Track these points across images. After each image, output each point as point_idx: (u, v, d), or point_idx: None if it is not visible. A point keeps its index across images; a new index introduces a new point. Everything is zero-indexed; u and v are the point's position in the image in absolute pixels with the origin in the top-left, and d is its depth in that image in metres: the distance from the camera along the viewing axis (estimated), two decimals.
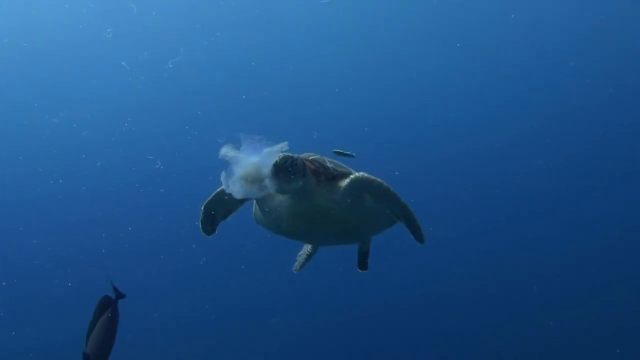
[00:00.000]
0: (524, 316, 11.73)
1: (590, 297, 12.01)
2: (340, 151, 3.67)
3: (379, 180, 3.12)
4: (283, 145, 2.82)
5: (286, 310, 12.32)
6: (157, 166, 12.93)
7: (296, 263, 4.39)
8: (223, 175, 2.78)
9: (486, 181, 13.93)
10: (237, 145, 2.81)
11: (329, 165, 3.23)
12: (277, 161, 2.81)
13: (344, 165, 3.33)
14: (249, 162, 2.76)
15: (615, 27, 14.09)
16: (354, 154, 3.68)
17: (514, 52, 14.76)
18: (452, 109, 14.58)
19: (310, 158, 3.22)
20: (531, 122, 14.45)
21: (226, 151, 2.79)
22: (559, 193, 13.68)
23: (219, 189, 3.29)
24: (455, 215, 12.99)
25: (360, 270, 4.23)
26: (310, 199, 3.12)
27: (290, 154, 2.90)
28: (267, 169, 2.78)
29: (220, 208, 3.40)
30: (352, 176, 3.12)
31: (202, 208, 3.39)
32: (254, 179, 2.77)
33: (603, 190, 13.66)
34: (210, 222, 3.44)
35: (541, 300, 11.93)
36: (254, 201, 3.43)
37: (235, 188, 2.77)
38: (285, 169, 2.83)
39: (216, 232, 3.49)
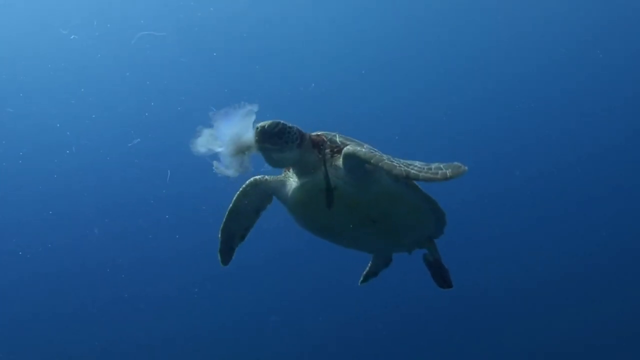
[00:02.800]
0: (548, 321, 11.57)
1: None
2: None
3: (368, 154, 2.63)
4: (252, 107, 2.61)
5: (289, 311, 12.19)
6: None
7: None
8: (215, 164, 2.63)
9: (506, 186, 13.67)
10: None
11: (339, 139, 2.88)
12: (264, 126, 2.59)
13: (356, 140, 2.94)
14: (227, 135, 2.60)
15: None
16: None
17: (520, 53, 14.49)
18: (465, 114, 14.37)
19: (317, 133, 2.92)
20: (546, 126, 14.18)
21: (202, 142, 2.62)
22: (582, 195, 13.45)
23: (228, 209, 3.16)
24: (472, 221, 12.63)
25: (442, 288, 3.60)
26: (312, 176, 2.82)
27: (282, 121, 2.65)
28: (247, 133, 2.61)
29: (237, 227, 3.24)
30: (344, 149, 2.74)
31: (219, 235, 3.23)
32: (240, 149, 2.62)
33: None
34: (229, 248, 3.28)
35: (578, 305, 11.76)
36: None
37: (227, 168, 2.63)
38: (273, 135, 2.60)
39: (233, 258, 3.34)
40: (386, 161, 2.58)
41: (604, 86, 14.26)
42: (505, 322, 11.77)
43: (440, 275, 3.56)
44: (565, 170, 13.73)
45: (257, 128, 2.60)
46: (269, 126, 2.60)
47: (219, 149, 2.61)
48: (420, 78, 14.79)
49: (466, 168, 2.45)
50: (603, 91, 14.23)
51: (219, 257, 3.31)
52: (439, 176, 2.46)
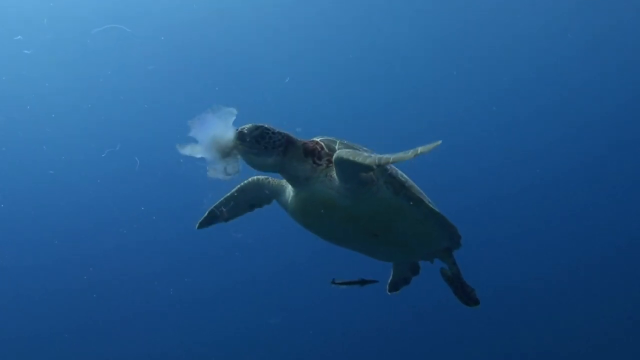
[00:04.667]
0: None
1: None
2: None
3: (350, 153, 2.48)
4: (231, 110, 2.56)
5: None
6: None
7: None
8: (208, 169, 2.60)
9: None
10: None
11: (338, 147, 2.72)
12: (243, 129, 2.57)
13: (359, 146, 2.78)
14: (207, 140, 2.57)
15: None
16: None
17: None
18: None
19: (317, 139, 2.81)
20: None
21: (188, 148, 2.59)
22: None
23: (225, 196, 3.15)
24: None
25: (468, 306, 3.32)
26: (307, 187, 2.72)
27: (264, 125, 2.62)
28: (227, 135, 2.58)
29: (226, 212, 3.22)
30: (334, 156, 2.58)
31: (206, 212, 3.22)
32: (223, 152, 2.59)
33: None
34: (210, 222, 3.28)
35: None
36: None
37: (216, 172, 2.61)
38: (251, 138, 2.57)
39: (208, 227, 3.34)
40: (364, 155, 2.47)
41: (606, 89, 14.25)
42: (512, 327, 11.73)
43: (463, 292, 3.29)
44: (567, 174, 13.73)
45: (237, 130, 2.58)
46: (248, 129, 2.58)
47: (202, 155, 2.59)
48: (420, 80, 14.75)
49: (439, 142, 2.25)
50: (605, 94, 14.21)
51: (197, 223, 3.30)
52: (409, 154, 2.32)
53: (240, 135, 2.56)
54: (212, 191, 3.00)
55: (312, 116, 13.50)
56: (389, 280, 3.75)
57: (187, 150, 2.58)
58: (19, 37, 11.99)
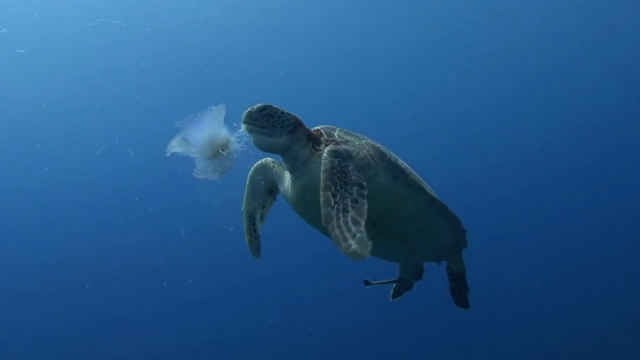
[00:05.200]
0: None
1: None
2: None
3: (328, 188, 2.38)
4: (220, 108, 2.59)
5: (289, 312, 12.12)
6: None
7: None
8: (195, 170, 2.62)
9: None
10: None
11: (337, 133, 2.78)
12: (252, 108, 2.62)
13: (357, 134, 2.82)
14: (200, 139, 2.58)
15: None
16: None
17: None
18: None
19: (317, 128, 2.84)
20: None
21: (175, 145, 2.60)
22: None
23: (246, 185, 3.15)
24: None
25: (457, 306, 3.35)
26: (304, 171, 2.74)
27: (272, 105, 2.66)
28: (220, 132, 2.58)
29: (256, 204, 3.23)
30: (325, 149, 2.56)
31: (243, 212, 3.22)
32: (216, 150, 2.60)
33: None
34: (253, 230, 3.26)
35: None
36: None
37: (208, 172, 2.62)
38: (259, 117, 2.60)
39: (260, 252, 3.34)
40: (328, 194, 2.36)
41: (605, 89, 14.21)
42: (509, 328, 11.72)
43: (460, 292, 3.33)
44: (567, 174, 13.69)
45: (246, 110, 2.62)
46: (256, 109, 2.62)
47: (194, 155, 2.60)
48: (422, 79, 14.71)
49: (366, 256, 2.16)
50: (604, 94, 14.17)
51: (248, 246, 3.30)
52: (343, 245, 2.20)
53: (248, 115, 2.60)
54: (205, 189, 2.82)
55: (310, 113, 13.44)
56: (394, 286, 3.74)
57: (174, 148, 2.57)
58: (4, 30, 11.94)
